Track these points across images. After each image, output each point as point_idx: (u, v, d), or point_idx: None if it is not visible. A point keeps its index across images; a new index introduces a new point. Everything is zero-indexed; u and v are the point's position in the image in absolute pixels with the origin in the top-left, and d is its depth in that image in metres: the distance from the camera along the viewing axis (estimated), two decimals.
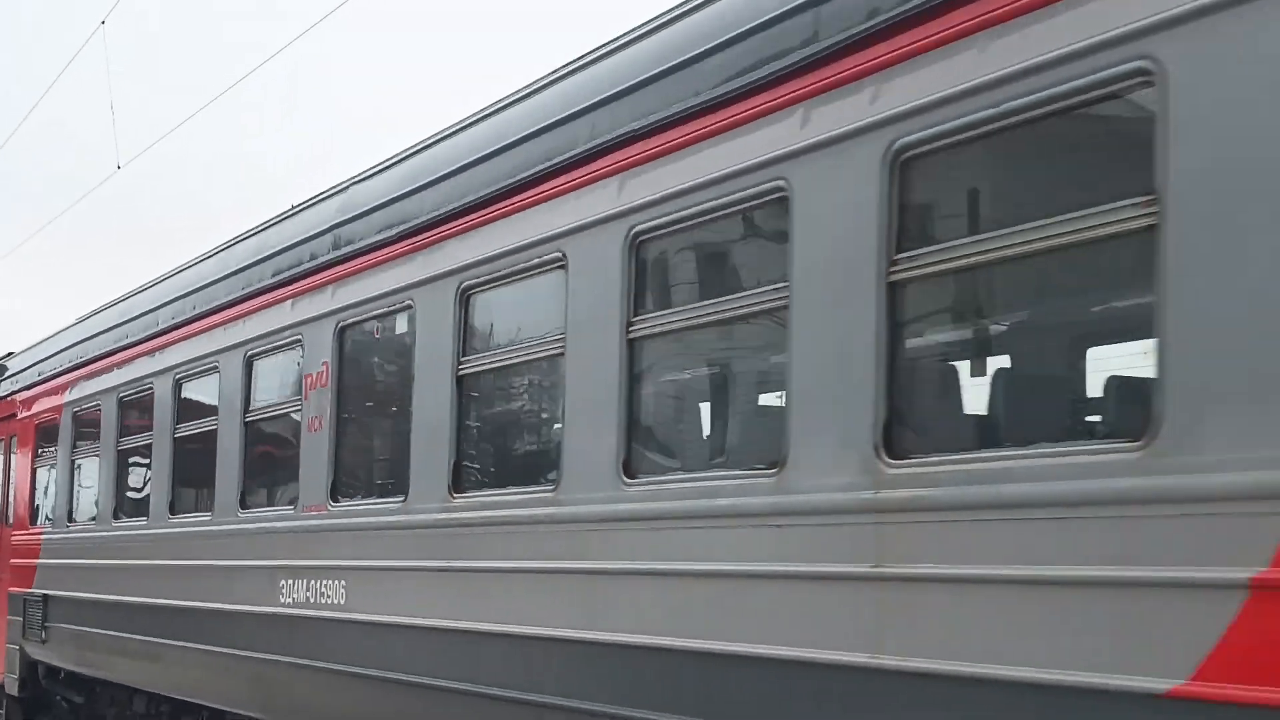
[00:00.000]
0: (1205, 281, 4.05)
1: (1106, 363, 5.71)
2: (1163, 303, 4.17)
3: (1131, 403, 4.53)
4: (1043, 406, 5.51)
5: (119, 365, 13.90)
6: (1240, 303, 3.98)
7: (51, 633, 15.42)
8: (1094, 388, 5.87)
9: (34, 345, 18.53)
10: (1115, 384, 5.24)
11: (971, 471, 4.82)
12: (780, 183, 5.58)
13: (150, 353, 13.03)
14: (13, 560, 17.35)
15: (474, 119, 8.57)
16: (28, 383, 17.51)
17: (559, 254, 7.12)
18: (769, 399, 6.43)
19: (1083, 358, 6.35)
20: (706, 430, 7.27)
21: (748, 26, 5.88)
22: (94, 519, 14.45)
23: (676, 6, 6.72)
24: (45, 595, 15.64)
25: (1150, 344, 4.28)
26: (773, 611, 5.60)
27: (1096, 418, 5.46)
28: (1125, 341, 5.54)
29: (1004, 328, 6.13)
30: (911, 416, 5.26)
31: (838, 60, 5.30)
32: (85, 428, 15.10)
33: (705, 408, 7.38)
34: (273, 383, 10.55)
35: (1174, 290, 4.13)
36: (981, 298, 5.71)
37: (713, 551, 5.94)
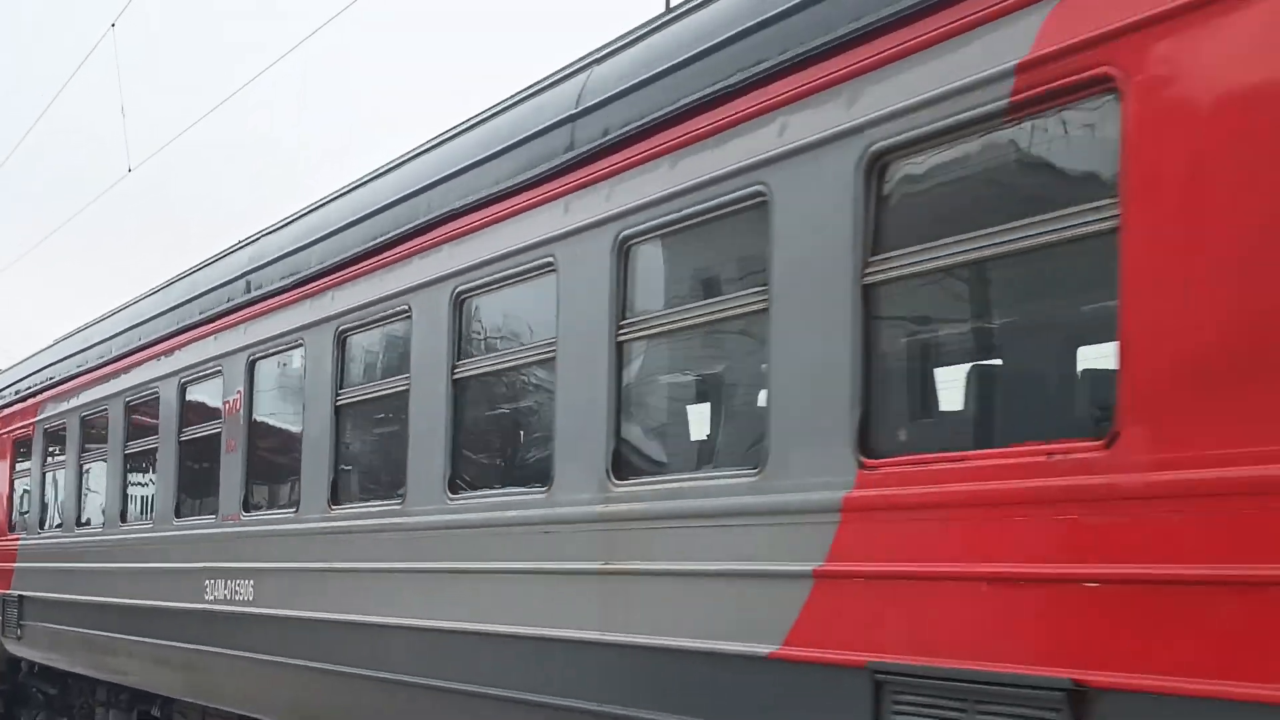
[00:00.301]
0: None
1: (735, 414, 7.07)
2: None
3: (752, 443, 5.97)
4: (704, 441, 6.99)
5: (81, 389, 15.38)
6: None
7: (26, 630, 16.90)
8: (733, 431, 7.08)
9: (12, 366, 20.05)
10: (739, 429, 6.66)
11: (659, 490, 6.30)
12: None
13: (104, 379, 14.51)
14: None
15: (340, 193, 10.11)
16: (5, 401, 18.99)
17: (405, 307, 8.60)
18: (537, 434, 7.85)
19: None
20: (501, 456, 8.67)
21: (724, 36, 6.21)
22: (60, 526, 15.95)
23: (648, 22, 7.25)
24: (21, 596, 17.12)
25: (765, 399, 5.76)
26: (534, 600, 7.08)
27: (734, 452, 6.86)
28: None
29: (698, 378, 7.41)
30: (632, 447, 6.72)
31: (814, 65, 5.56)
32: (54, 444, 16.59)
33: (501, 439, 8.72)
34: (201, 407, 12.02)
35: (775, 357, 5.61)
36: (679, 358, 7.14)
37: (503, 553, 7.41)
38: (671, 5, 7.24)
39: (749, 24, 6.04)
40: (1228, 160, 4.08)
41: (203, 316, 11.93)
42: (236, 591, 10.77)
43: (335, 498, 9.40)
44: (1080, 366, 5.64)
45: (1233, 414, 4.00)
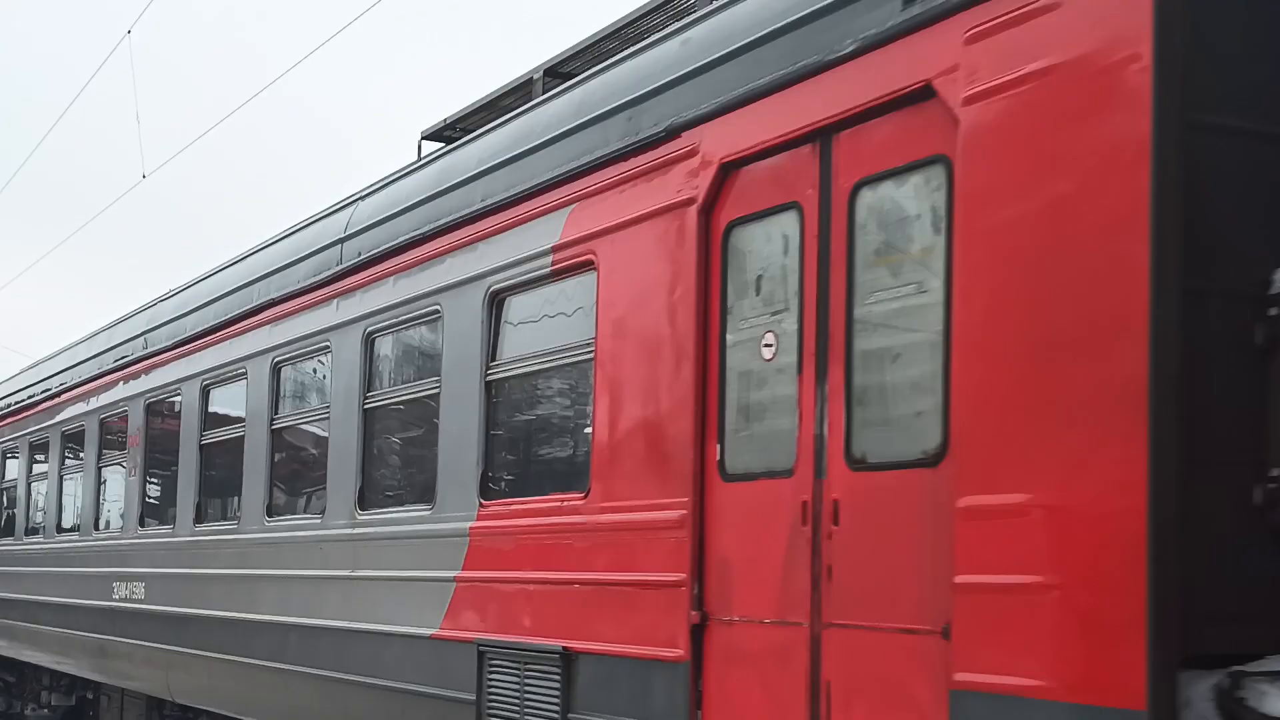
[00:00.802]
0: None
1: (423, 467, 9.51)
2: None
3: (429, 487, 8.45)
4: (405, 485, 9.50)
5: (27, 418, 17.94)
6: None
7: None
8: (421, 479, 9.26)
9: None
10: (424, 477, 8.98)
11: (379, 518, 8.82)
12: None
13: (48, 411, 17.08)
14: None
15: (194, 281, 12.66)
16: None
17: (242, 370, 11.11)
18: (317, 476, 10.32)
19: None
20: (305, 484, 10.97)
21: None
22: (11, 535, 18.51)
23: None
24: None
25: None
26: (307, 595, 9.61)
27: (421, 493, 9.27)
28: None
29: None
30: (370, 486, 9.22)
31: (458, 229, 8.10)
32: (8, 464, 19.17)
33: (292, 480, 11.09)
34: (112, 441, 14.54)
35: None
36: (412, 420, 9.62)
37: (299, 562, 9.91)
38: (421, 156, 9.74)
39: (431, 192, 8.57)
40: (639, 317, 6.56)
41: (115, 365, 14.49)
42: (134, 592, 13.29)
43: (198, 518, 11.94)
44: (577, 449, 7.75)
45: (629, 480, 6.50)
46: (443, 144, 9.63)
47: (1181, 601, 4.11)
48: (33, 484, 17.71)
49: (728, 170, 6.10)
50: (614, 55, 7.58)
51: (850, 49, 5.44)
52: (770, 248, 5.88)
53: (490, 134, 8.40)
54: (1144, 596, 4.08)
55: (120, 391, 14.16)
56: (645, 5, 7.75)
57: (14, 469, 18.80)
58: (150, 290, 12.66)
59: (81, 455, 15.48)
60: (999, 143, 4.74)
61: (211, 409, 11.94)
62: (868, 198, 5.36)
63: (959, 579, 4.66)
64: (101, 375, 14.89)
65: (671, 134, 6.43)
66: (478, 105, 9.50)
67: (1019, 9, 4.72)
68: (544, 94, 8.28)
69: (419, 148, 9.91)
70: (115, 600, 13.74)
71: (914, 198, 5.20)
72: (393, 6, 30.45)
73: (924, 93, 5.07)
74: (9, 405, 19.30)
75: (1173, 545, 4.10)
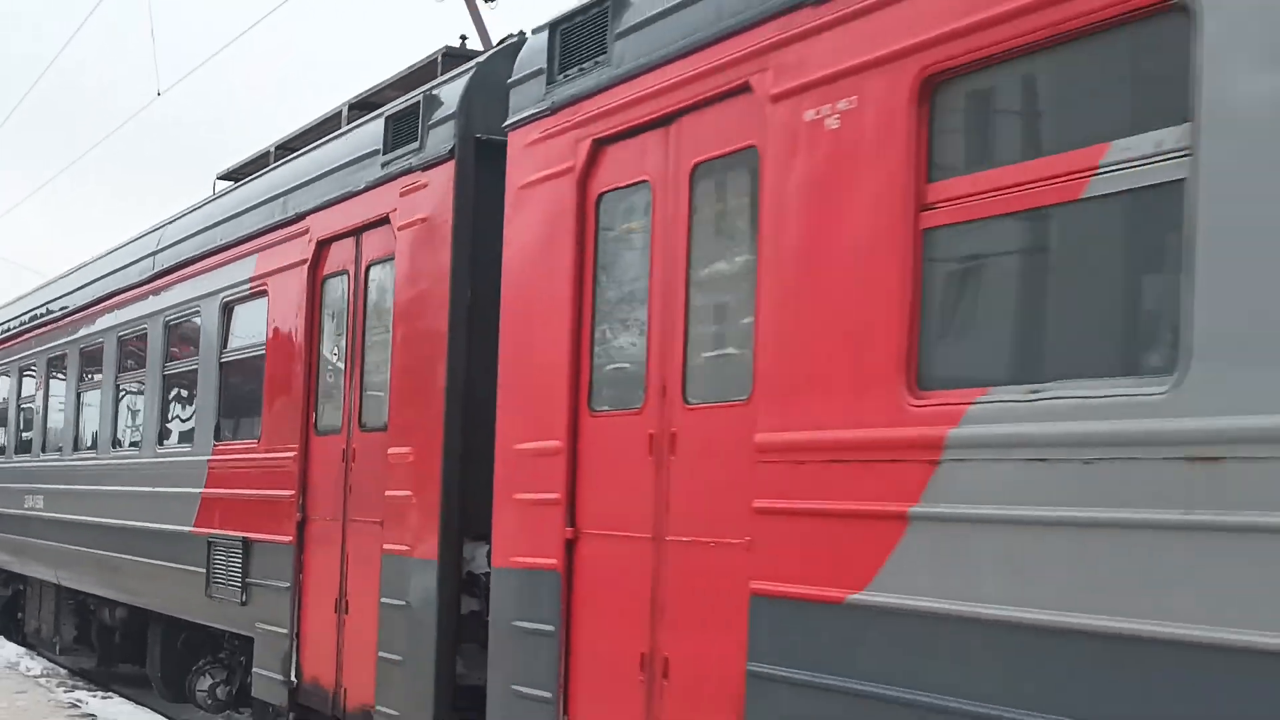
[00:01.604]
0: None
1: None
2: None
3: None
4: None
5: None
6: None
7: None
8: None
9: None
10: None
11: (171, 451, 12.79)
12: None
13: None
14: None
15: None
16: None
17: (144, 328, 15.04)
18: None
19: None
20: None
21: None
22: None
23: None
24: None
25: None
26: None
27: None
28: None
29: None
30: (165, 431, 13.17)
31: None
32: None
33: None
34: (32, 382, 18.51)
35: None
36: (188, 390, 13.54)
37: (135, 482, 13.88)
38: (214, 193, 13.63)
39: (198, 228, 12.52)
40: (288, 326, 10.46)
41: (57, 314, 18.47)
42: (36, 503, 17.34)
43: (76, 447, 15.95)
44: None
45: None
46: (233, 181, 13.46)
47: None
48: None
49: (324, 244, 9.97)
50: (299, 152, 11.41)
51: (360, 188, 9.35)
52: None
53: (233, 192, 12.31)
54: None
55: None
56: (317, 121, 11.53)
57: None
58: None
59: (15, 392, 19.47)
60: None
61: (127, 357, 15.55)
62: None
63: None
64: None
65: (299, 218, 10.33)
66: (254, 156, 13.30)
67: (412, 185, 8.61)
68: (272, 163, 12.11)
69: (214, 185, 13.77)
70: (27, 509, 17.77)
71: None
72: None
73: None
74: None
75: None
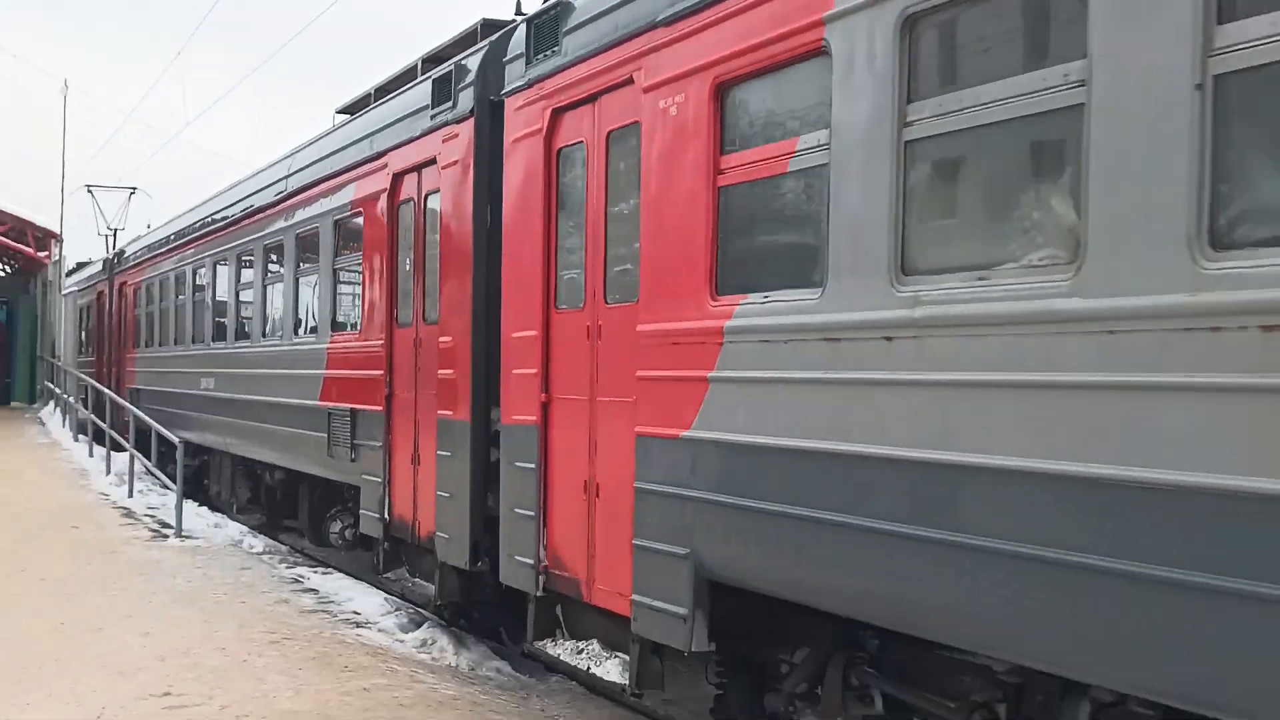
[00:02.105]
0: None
1: None
2: None
3: None
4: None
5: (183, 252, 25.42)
6: None
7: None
8: None
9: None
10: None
11: (305, 341, 15.84)
12: None
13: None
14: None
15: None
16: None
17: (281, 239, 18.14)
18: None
19: None
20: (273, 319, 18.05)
21: None
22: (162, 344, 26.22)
23: None
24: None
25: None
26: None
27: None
28: None
29: None
30: (300, 325, 16.22)
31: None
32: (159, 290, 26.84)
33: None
34: (201, 281, 21.83)
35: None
36: None
37: (277, 367, 17.02)
38: (333, 125, 16.45)
39: (315, 157, 15.36)
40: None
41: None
42: (209, 384, 20.72)
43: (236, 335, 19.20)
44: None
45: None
46: (348, 115, 16.23)
47: None
48: (169, 310, 25.26)
49: (398, 177, 12.69)
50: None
51: (418, 134, 12.03)
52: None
53: (339, 130, 15.12)
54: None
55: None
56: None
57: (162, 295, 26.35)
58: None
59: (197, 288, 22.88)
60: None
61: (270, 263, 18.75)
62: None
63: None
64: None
65: (380, 155, 13.07)
66: (360, 96, 16.04)
67: (448, 135, 11.25)
68: (372, 104, 14.82)
69: (333, 119, 16.57)
70: (203, 390, 21.19)
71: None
72: None
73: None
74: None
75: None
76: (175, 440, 19.00)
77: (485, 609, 11.73)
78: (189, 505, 18.33)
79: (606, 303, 8.85)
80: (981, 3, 5.78)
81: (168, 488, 20.20)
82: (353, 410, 13.73)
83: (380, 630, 11.79)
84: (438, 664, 10.83)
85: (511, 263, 10.13)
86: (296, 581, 14.23)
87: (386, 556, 12.95)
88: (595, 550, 8.92)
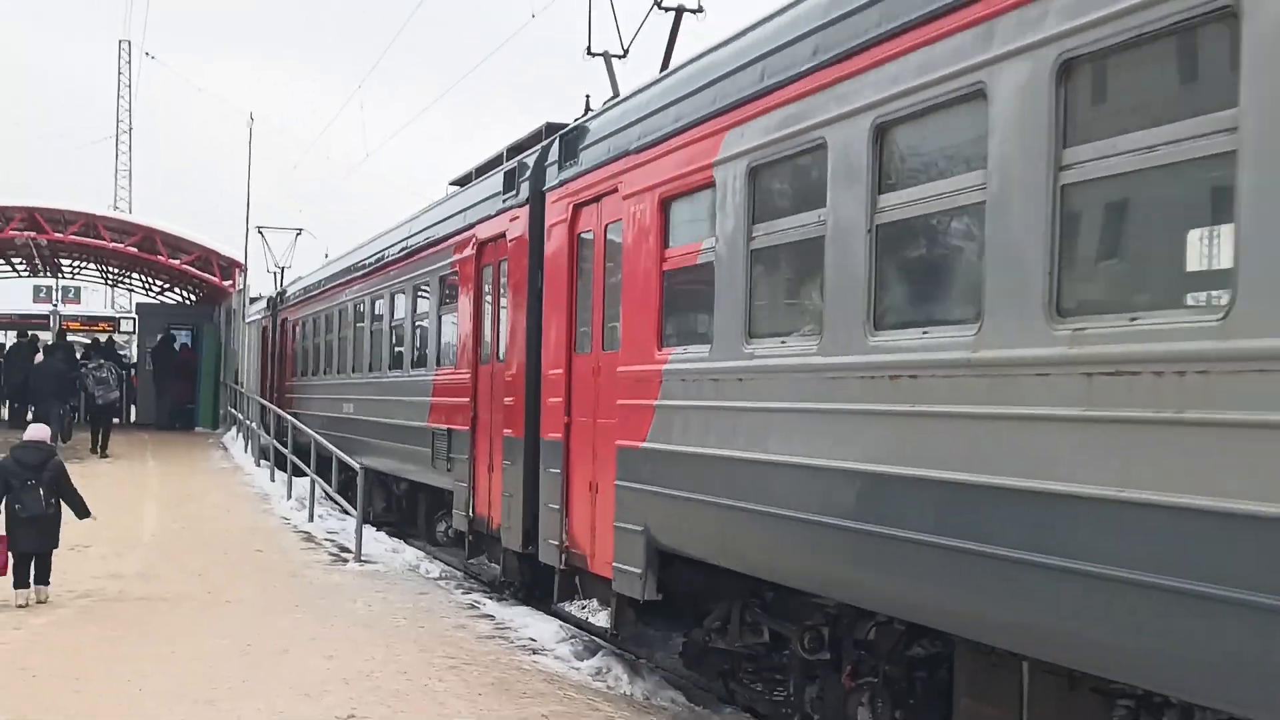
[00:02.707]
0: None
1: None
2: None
3: None
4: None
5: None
6: None
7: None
8: None
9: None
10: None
11: (401, 373, 19.31)
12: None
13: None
14: None
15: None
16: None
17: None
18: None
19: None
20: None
21: None
22: (314, 374, 30.02)
23: None
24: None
25: None
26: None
27: None
28: None
29: None
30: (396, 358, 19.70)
31: None
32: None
33: None
34: (339, 323, 25.55)
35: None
36: None
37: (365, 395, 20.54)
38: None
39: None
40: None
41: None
42: (346, 408, 24.41)
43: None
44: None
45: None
46: (458, 186, 19.60)
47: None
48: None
49: (482, 245, 16.05)
50: None
51: (494, 213, 15.40)
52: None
53: (444, 203, 18.58)
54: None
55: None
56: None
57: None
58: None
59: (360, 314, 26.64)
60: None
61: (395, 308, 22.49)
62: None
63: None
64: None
65: (469, 227, 16.49)
66: (465, 174, 19.42)
67: (514, 216, 14.60)
68: (502, 165, 18.24)
69: (446, 188, 20.02)
70: (344, 414, 24.88)
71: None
72: None
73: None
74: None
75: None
76: (356, 466, 19.54)
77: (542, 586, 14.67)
78: (367, 530, 18.66)
79: (604, 350, 12.03)
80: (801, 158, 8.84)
81: (347, 513, 20.94)
82: (449, 430, 17.08)
83: (556, 657, 11.91)
84: (613, 692, 10.96)
85: (548, 318, 13.38)
86: (473, 607, 14.39)
87: (471, 547, 16.30)
88: (595, 532, 12.08)
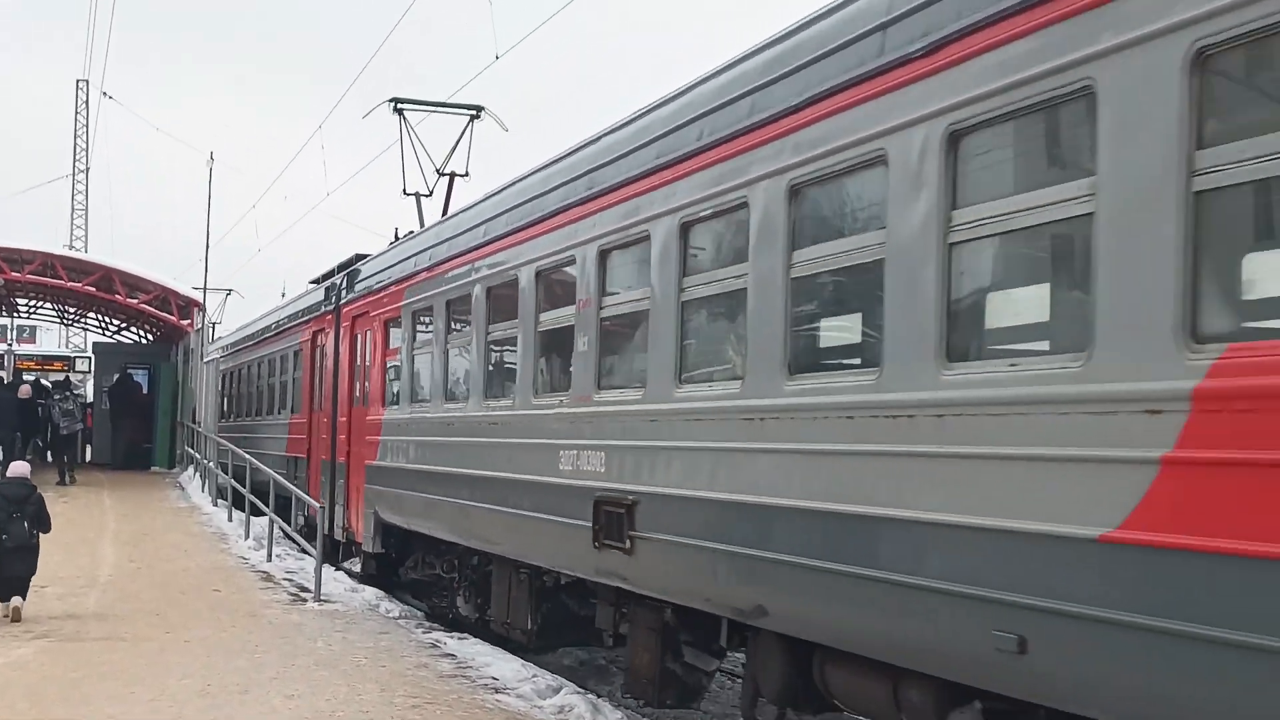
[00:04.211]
0: None
1: None
2: None
3: None
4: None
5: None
6: None
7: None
8: None
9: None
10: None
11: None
12: None
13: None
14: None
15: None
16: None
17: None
18: None
19: None
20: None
21: None
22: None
23: None
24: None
25: None
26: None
27: None
28: None
29: None
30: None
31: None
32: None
33: None
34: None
35: None
36: None
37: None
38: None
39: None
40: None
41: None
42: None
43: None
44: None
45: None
46: (315, 284, 24.36)
47: None
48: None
49: (315, 333, 16.58)
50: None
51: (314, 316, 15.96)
52: None
53: (296, 299, 26.16)
54: None
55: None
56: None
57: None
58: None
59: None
60: None
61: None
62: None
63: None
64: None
65: (306, 321, 17.40)
66: (321, 275, 24.26)
67: (325, 322, 16.15)
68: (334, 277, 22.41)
69: (306, 284, 24.57)
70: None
71: None
72: None
73: None
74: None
75: None
76: (317, 505, 19.46)
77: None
78: (326, 570, 18.56)
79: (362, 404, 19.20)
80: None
81: (305, 552, 21.02)
82: (294, 457, 25.25)
83: (518, 695, 11.82)
84: None
85: (341, 383, 20.92)
86: (434, 646, 14.34)
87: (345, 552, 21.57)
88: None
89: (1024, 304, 7.17)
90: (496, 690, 12.01)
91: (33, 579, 15.10)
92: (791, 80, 8.32)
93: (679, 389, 9.56)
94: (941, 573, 6.70)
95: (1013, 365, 6.53)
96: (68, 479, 33.03)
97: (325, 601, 17.26)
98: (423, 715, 10.71)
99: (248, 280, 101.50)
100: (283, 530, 22.38)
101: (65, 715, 10.40)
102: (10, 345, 54.08)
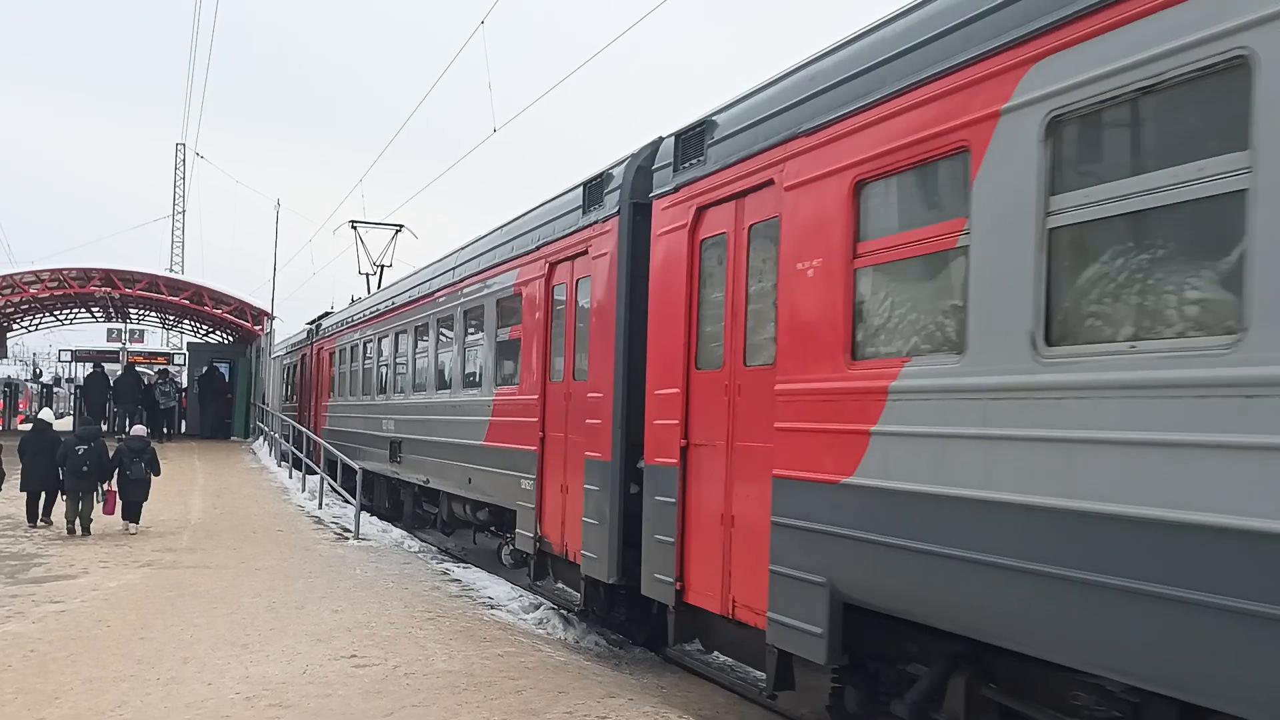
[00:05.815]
0: None
1: None
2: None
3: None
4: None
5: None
6: None
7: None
8: None
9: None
10: None
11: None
12: None
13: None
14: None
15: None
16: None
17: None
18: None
19: None
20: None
21: None
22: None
23: None
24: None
25: None
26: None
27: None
28: None
29: None
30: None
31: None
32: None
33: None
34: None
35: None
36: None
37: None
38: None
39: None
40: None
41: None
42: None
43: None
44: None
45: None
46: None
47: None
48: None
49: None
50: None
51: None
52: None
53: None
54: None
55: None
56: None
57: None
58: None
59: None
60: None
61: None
62: None
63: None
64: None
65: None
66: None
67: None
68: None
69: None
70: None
71: None
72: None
73: None
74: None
75: None
76: (355, 467, 19.37)
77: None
78: (361, 516, 18.61)
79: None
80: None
81: (348, 502, 20.81)
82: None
83: (508, 611, 12.05)
84: (551, 637, 11.19)
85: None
86: (444, 574, 14.40)
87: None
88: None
89: None
90: (492, 607, 12.23)
91: (141, 518, 17.10)
92: None
93: None
94: None
95: None
96: (164, 439, 34.90)
97: (363, 539, 17.19)
98: (436, 625, 10.87)
99: (305, 294, 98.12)
100: (330, 485, 22.24)
101: (164, 623, 10.57)
102: (125, 344, 57.40)
